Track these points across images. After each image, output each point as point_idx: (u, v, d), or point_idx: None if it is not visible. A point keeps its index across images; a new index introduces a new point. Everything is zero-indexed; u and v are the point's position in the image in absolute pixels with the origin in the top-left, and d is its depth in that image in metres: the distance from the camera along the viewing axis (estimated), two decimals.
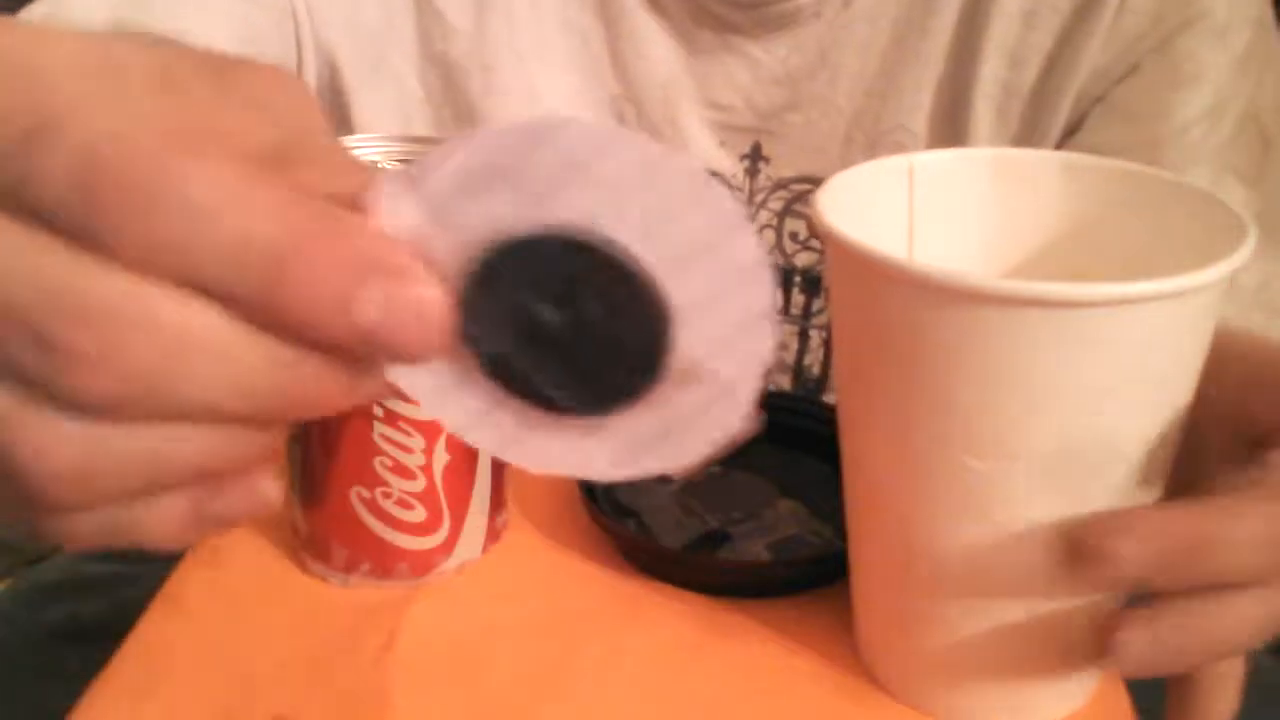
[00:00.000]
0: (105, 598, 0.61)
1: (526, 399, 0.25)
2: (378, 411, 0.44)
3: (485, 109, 0.62)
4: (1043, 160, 0.42)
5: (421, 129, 0.63)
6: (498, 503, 0.49)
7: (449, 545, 0.47)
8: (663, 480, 0.52)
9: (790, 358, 0.65)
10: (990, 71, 0.59)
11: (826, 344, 0.65)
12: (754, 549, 0.48)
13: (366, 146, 0.46)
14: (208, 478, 0.24)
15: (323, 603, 0.46)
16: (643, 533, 0.49)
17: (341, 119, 0.63)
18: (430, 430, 0.44)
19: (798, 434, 0.53)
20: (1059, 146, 0.60)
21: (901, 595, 0.40)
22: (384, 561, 0.46)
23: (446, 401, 0.25)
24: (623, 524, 0.49)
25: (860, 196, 0.40)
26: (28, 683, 0.58)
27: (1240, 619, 0.35)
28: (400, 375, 0.25)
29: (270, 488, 0.25)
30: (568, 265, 0.24)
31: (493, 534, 0.49)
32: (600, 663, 0.43)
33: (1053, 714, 0.40)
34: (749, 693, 0.42)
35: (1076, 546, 0.34)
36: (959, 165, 0.43)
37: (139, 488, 0.23)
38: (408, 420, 0.44)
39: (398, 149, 0.46)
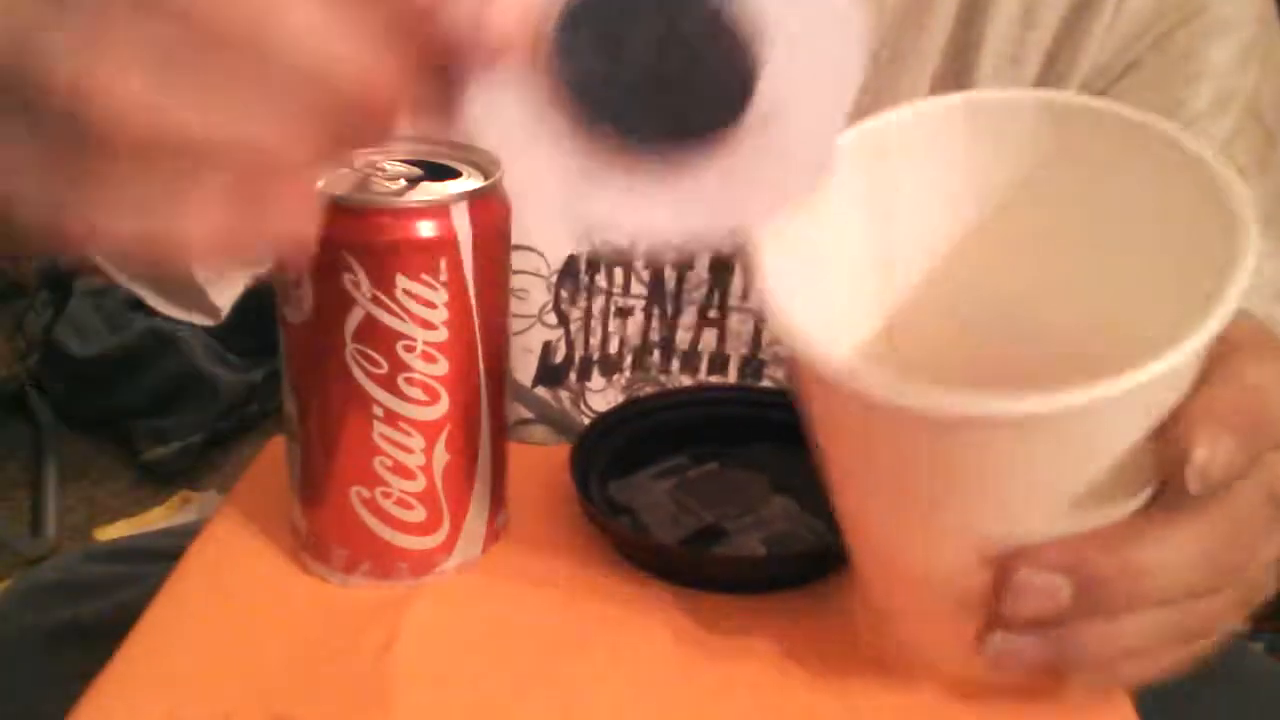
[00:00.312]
0: (105, 598, 0.61)
1: (605, 136, 0.25)
2: (378, 411, 0.44)
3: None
4: (1018, 102, 0.38)
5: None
6: (498, 503, 0.49)
7: (449, 545, 0.47)
8: (658, 477, 0.52)
9: (785, 350, 0.65)
10: (989, 70, 0.59)
11: None
12: (749, 544, 0.48)
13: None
14: (263, 172, 0.25)
15: (323, 603, 0.46)
16: (637, 529, 0.49)
17: None
18: (430, 430, 0.44)
19: (792, 430, 0.53)
20: None
21: (896, 602, 0.39)
22: (384, 561, 0.46)
23: (521, 143, 0.26)
24: (617, 521, 0.49)
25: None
26: (28, 683, 0.58)
27: (1145, 630, 0.34)
28: (482, 111, 0.25)
29: (311, 213, 0.26)
30: None
31: (493, 534, 0.49)
32: (600, 661, 0.44)
33: None
34: (747, 688, 0.42)
35: (997, 579, 0.33)
36: (924, 119, 0.39)
37: (199, 152, 0.24)
38: (408, 420, 0.44)
39: (397, 148, 0.46)
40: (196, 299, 0.62)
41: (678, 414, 0.55)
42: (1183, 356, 0.31)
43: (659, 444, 0.54)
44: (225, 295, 0.63)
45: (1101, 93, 0.59)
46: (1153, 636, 0.34)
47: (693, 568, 0.47)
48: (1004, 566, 0.33)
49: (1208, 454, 0.31)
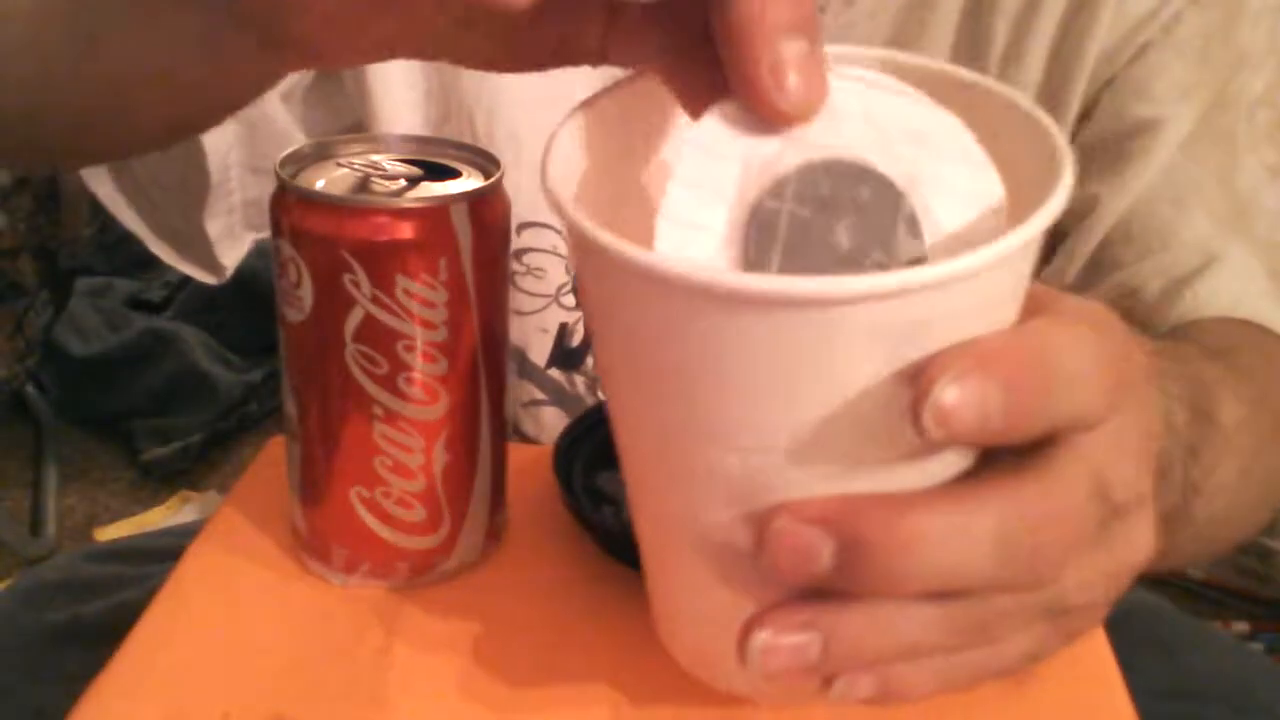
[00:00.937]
0: (105, 598, 0.61)
1: None
2: (378, 411, 0.44)
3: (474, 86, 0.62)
4: (857, 59, 0.34)
5: (416, 73, 0.62)
6: (497, 503, 0.49)
7: (449, 545, 0.47)
8: None
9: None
10: (996, 65, 0.59)
11: None
12: None
13: (367, 147, 0.46)
14: None
15: (323, 603, 0.46)
16: (620, 520, 0.49)
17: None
18: (430, 430, 0.44)
19: None
20: (1074, 134, 0.60)
21: (675, 582, 0.35)
22: (384, 561, 0.46)
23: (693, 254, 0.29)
24: (599, 512, 0.49)
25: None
26: (28, 683, 0.58)
27: (919, 625, 0.29)
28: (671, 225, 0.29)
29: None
30: (848, 183, 0.30)
31: (492, 534, 0.49)
32: (601, 661, 0.44)
33: None
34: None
35: (757, 534, 0.29)
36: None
37: None
38: (408, 420, 0.44)
39: (398, 149, 0.46)
40: (204, 253, 0.62)
41: None
42: (980, 261, 0.27)
43: None
44: (231, 254, 0.63)
45: (1111, 79, 0.58)
46: (929, 634, 0.29)
47: None
48: (764, 520, 0.28)
49: (954, 394, 0.26)
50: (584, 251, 0.31)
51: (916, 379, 0.27)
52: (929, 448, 0.28)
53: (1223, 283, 0.56)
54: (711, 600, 0.33)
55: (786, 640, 0.28)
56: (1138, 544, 0.31)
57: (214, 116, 0.46)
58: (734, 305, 0.27)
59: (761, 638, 0.29)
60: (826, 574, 0.28)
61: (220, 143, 0.57)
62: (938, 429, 0.26)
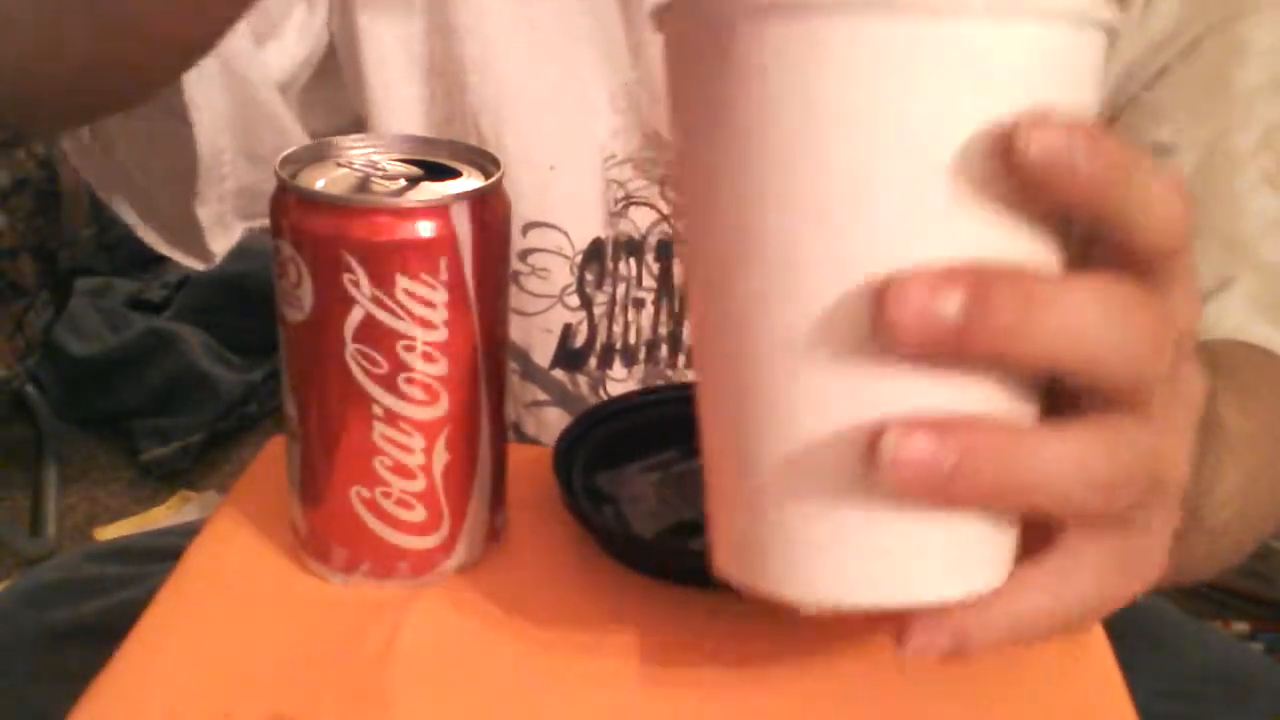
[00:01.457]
0: (105, 598, 0.61)
1: None
2: (378, 411, 0.44)
3: (478, 77, 0.61)
4: None
5: (418, 73, 0.62)
6: (498, 502, 0.49)
7: (449, 545, 0.47)
8: (646, 470, 0.52)
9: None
10: None
11: None
12: None
13: (367, 147, 0.46)
14: None
15: (323, 603, 0.46)
16: (619, 521, 0.49)
17: (349, 39, 0.61)
18: (430, 430, 0.44)
19: None
20: None
21: (748, 461, 0.33)
22: (384, 561, 0.46)
23: None
24: (600, 513, 0.49)
25: None
26: (28, 683, 0.58)
27: (1051, 468, 0.29)
28: None
29: None
30: None
31: (493, 534, 0.49)
32: (601, 660, 0.44)
33: (941, 589, 0.31)
34: (741, 685, 0.42)
35: (875, 303, 0.28)
36: None
37: None
38: (408, 420, 0.44)
39: (398, 149, 0.46)
40: (193, 240, 0.62)
41: (674, 409, 0.55)
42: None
43: (651, 437, 0.54)
44: (221, 242, 0.63)
45: (1131, 99, 0.58)
46: (1061, 476, 0.29)
47: (661, 563, 0.47)
48: (882, 286, 0.28)
49: (1047, 134, 0.27)
50: (701, 29, 0.30)
51: (1009, 125, 0.28)
52: (1016, 212, 0.29)
53: (1229, 306, 0.56)
54: (811, 448, 0.31)
55: (919, 447, 0.28)
56: (1158, 539, 0.33)
57: (216, 32, 0.43)
58: (847, 17, 0.28)
59: (892, 441, 0.28)
60: (950, 330, 0.28)
61: (210, 127, 0.57)
62: (1032, 147, 0.27)
